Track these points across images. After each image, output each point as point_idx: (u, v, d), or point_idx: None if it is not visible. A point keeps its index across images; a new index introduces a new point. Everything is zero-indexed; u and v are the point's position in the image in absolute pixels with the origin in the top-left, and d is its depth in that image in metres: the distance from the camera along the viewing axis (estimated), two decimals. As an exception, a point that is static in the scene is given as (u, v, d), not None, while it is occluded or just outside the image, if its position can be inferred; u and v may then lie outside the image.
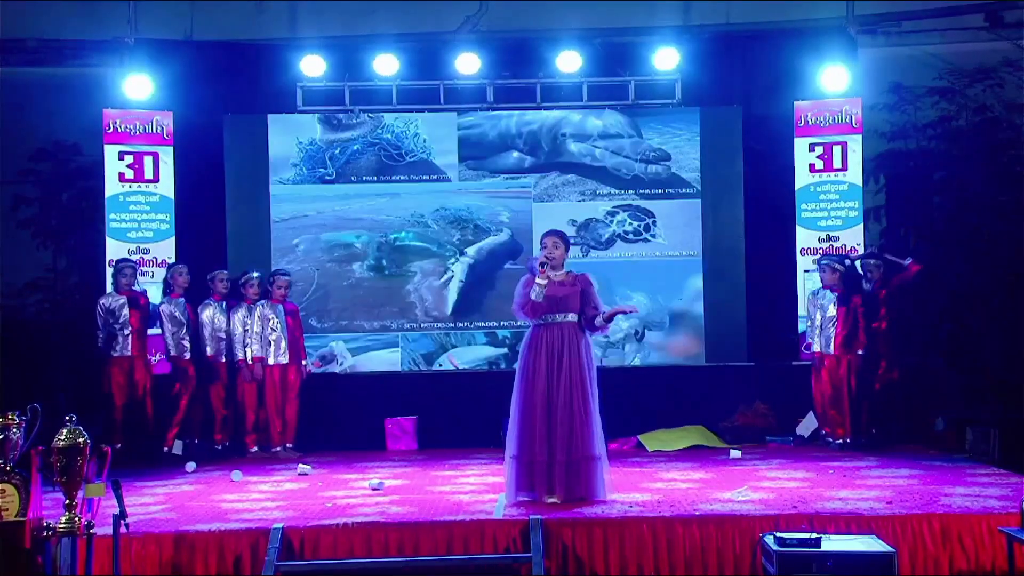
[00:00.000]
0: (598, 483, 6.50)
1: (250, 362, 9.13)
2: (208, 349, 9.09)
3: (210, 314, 9.14)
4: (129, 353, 8.90)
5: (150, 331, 9.12)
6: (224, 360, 9.15)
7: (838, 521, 5.82)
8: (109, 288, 9.25)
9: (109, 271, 9.42)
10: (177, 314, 9.07)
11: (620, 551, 5.80)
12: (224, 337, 9.15)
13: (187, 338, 9.06)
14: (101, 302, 8.97)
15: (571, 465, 6.41)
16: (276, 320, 9.19)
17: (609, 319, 6.55)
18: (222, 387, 9.17)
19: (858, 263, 9.19)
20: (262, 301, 9.22)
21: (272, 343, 9.17)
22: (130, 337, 8.91)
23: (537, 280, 6.45)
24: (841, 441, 8.79)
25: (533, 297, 6.43)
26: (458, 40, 10.12)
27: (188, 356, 9.06)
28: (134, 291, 9.03)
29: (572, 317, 6.54)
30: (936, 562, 5.74)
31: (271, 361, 9.18)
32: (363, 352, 10.04)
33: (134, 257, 9.38)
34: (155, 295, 9.24)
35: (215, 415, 9.13)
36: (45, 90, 10.39)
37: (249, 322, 9.14)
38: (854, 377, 8.82)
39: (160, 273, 9.44)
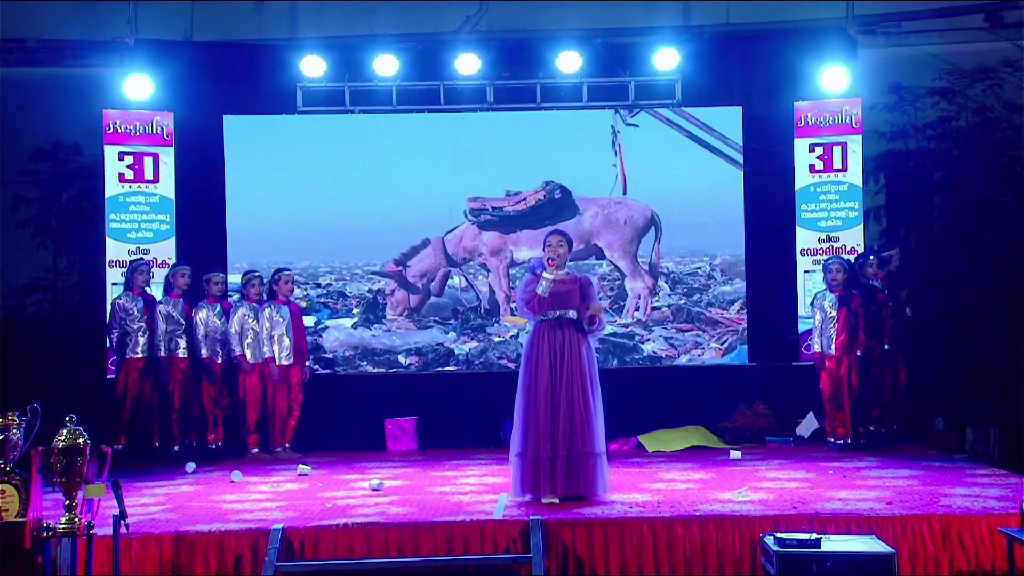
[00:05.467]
0: (599, 480, 6.54)
1: (251, 360, 9.12)
2: (203, 351, 9.07)
3: (204, 316, 9.11)
4: (143, 354, 8.94)
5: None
6: (220, 361, 9.14)
7: (838, 521, 5.82)
8: (109, 286, 9.26)
9: (111, 271, 9.43)
10: (175, 314, 9.08)
11: (620, 551, 5.80)
12: (220, 338, 9.13)
13: (183, 337, 9.07)
14: (118, 301, 8.99)
15: (572, 461, 6.46)
16: (282, 321, 9.18)
17: (591, 320, 6.61)
18: (215, 388, 9.15)
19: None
20: (268, 303, 9.21)
21: (277, 343, 9.16)
22: (145, 338, 8.94)
23: (544, 275, 6.54)
24: (841, 441, 8.80)
25: (539, 292, 6.51)
26: (458, 40, 10.12)
27: (181, 355, 9.07)
28: (147, 292, 9.06)
29: (573, 314, 6.61)
30: (936, 562, 5.74)
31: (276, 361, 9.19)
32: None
33: (133, 257, 9.38)
34: (157, 295, 9.21)
35: (206, 416, 9.13)
36: (45, 90, 10.39)
37: (252, 322, 9.13)
38: (855, 377, 8.82)
39: (160, 273, 9.43)
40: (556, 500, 6.39)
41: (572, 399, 6.48)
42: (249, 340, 9.12)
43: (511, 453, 6.63)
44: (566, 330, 6.57)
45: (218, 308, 9.20)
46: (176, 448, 8.95)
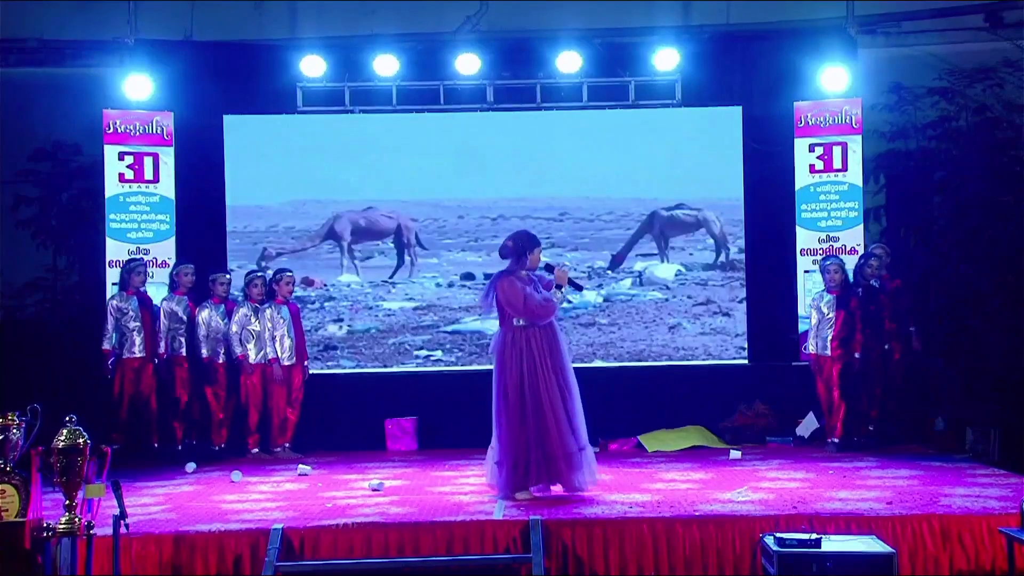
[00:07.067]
0: (579, 474, 6.67)
1: (252, 361, 9.09)
2: (203, 351, 9.06)
3: (206, 316, 9.09)
4: (139, 354, 8.93)
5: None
6: (221, 362, 9.13)
7: (838, 521, 5.83)
8: (109, 286, 9.27)
9: (111, 271, 9.41)
10: (179, 312, 9.08)
11: (620, 551, 5.80)
12: (221, 339, 9.11)
13: (186, 335, 9.07)
14: (114, 303, 8.97)
15: (551, 461, 6.63)
16: (283, 321, 9.17)
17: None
18: (219, 389, 9.14)
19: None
20: (268, 303, 9.19)
21: (279, 344, 9.14)
22: (141, 338, 8.93)
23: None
24: (839, 441, 8.79)
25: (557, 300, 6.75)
26: (458, 40, 10.12)
27: (184, 353, 9.07)
28: (142, 292, 9.05)
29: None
30: (936, 562, 5.74)
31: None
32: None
33: (128, 257, 9.35)
34: (155, 295, 9.21)
35: (212, 417, 9.12)
36: (45, 90, 10.38)
37: (254, 322, 9.11)
38: (854, 378, 8.81)
39: (159, 273, 9.44)
40: (529, 496, 6.53)
41: (549, 400, 6.62)
42: (251, 343, 9.10)
43: (491, 460, 6.81)
44: (543, 333, 6.68)
45: (222, 308, 9.17)
46: (179, 448, 8.93)
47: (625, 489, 6.94)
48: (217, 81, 9.97)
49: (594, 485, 6.78)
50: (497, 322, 6.87)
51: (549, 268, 6.84)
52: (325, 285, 10.13)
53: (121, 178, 9.67)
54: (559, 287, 6.76)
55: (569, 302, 9.81)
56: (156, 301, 9.16)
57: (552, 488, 6.70)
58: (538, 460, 6.59)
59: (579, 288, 6.98)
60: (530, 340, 6.67)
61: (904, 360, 8.99)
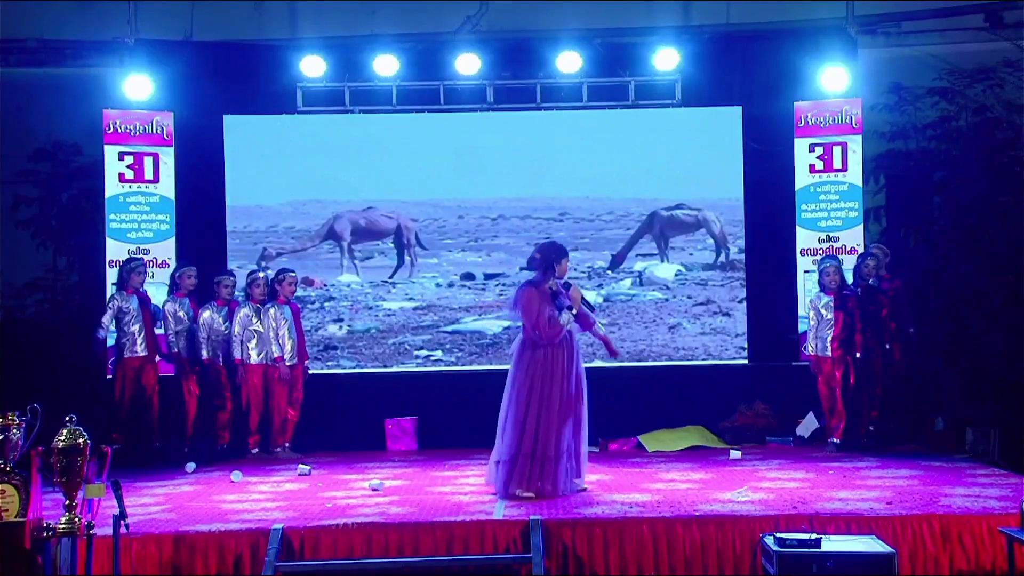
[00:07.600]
0: (561, 478, 6.72)
1: (253, 362, 9.09)
2: (204, 352, 9.04)
3: (207, 317, 9.06)
4: (141, 353, 8.92)
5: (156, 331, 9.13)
6: (222, 363, 9.12)
7: (838, 521, 5.83)
8: (109, 287, 9.27)
9: (111, 271, 9.41)
10: (181, 313, 9.07)
11: (620, 551, 5.80)
12: (222, 341, 9.10)
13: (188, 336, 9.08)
14: (116, 304, 8.94)
15: (547, 461, 6.67)
16: (285, 321, 9.16)
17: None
18: (220, 389, 9.13)
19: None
20: (270, 303, 9.18)
21: (282, 343, 9.13)
22: (142, 337, 8.92)
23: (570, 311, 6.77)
24: (841, 441, 8.78)
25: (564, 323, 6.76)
26: (458, 40, 10.13)
27: (186, 355, 9.06)
28: (142, 291, 9.04)
29: None
30: (936, 562, 5.75)
31: (278, 363, 9.20)
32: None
33: (127, 257, 9.35)
34: (155, 295, 9.21)
35: (215, 418, 9.11)
36: (45, 90, 10.39)
37: (256, 323, 9.10)
38: (854, 378, 8.81)
39: (159, 273, 9.44)
40: (531, 495, 6.54)
41: (547, 410, 6.70)
42: (253, 343, 9.09)
43: (492, 460, 6.87)
44: (553, 348, 6.74)
45: (224, 310, 9.14)
46: (186, 448, 8.92)
47: (625, 489, 6.94)
48: (217, 81, 9.97)
49: (566, 493, 6.72)
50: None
51: (567, 286, 6.87)
52: (325, 285, 10.14)
53: (121, 178, 9.67)
54: (570, 308, 6.77)
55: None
56: (156, 301, 9.15)
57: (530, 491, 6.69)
58: (523, 464, 6.64)
59: (591, 309, 7.01)
60: (547, 351, 6.73)
61: (904, 360, 8.99)
